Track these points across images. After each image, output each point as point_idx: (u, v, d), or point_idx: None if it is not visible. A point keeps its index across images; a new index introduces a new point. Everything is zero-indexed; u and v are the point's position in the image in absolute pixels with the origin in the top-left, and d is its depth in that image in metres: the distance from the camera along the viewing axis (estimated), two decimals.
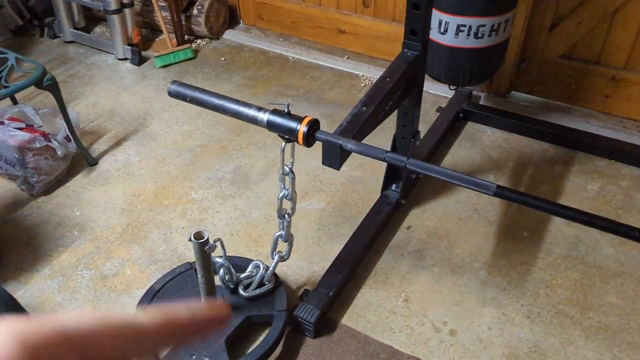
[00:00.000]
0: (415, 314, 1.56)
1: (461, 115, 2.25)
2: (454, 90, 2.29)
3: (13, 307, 1.22)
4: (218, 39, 2.90)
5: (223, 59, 2.75)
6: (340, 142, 1.21)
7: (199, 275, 1.40)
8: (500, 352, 1.45)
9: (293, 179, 1.37)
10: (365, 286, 1.64)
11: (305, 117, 1.24)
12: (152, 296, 1.56)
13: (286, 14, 2.83)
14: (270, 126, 1.26)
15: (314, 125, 1.23)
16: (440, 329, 1.52)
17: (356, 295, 1.61)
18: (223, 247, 1.44)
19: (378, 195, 1.87)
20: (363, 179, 2.01)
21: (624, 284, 1.62)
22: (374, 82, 1.46)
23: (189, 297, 1.55)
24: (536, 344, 1.47)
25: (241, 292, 1.53)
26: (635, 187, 1.95)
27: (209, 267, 1.39)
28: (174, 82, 1.40)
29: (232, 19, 2.99)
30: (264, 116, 1.27)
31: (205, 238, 1.32)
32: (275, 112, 1.26)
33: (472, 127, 2.26)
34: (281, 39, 2.87)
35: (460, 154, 2.11)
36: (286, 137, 1.28)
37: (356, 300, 1.60)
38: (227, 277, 1.52)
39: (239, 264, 1.57)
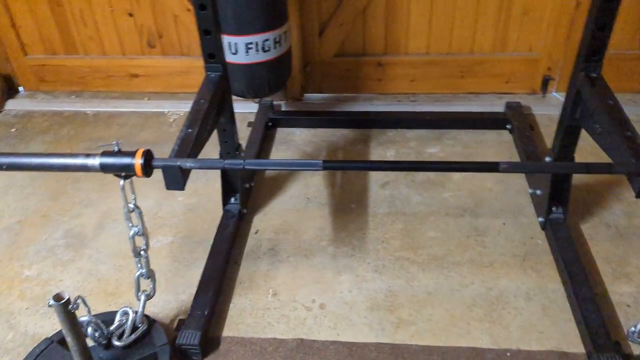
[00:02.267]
0: (286, 303, 1.70)
1: (270, 124, 2.47)
2: (258, 104, 2.50)
3: None
4: (0, 111, 2.70)
5: (14, 129, 2.57)
6: (178, 163, 1.30)
7: (68, 340, 1.35)
8: (364, 307, 1.67)
9: (140, 213, 1.41)
10: (235, 295, 1.73)
11: (137, 149, 1.31)
12: None
13: (70, 71, 2.76)
14: (105, 168, 1.30)
15: (148, 155, 1.30)
16: (311, 307, 1.68)
17: (229, 307, 1.69)
18: (85, 303, 1.41)
19: (220, 213, 1.97)
20: (200, 203, 2.09)
21: (436, 220, 1.98)
22: (191, 105, 1.57)
23: None
24: (389, 289, 1.73)
25: (116, 343, 1.50)
26: (421, 145, 2.37)
27: (77, 329, 1.35)
28: None
29: (10, 88, 2.80)
30: (95, 161, 1.30)
31: (67, 297, 1.29)
32: (105, 153, 1.30)
33: (282, 132, 2.49)
34: (72, 97, 2.79)
35: (280, 156, 2.32)
36: (123, 174, 1.32)
37: (230, 312, 1.68)
38: (97, 334, 1.48)
39: (105, 318, 1.54)
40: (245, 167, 1.29)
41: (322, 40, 2.56)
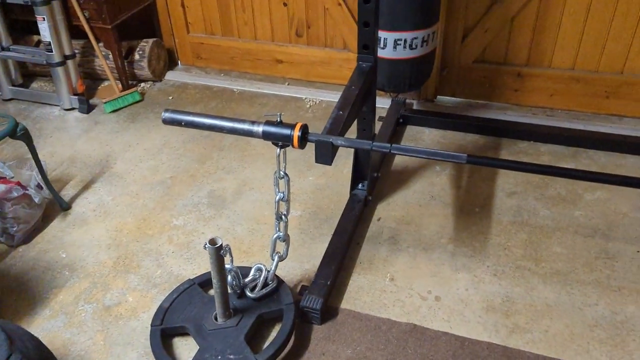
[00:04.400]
0: (402, 289, 1.77)
1: (401, 120, 2.55)
2: (392, 100, 2.58)
3: (41, 351, 1.29)
4: (161, 80, 3.03)
5: (170, 97, 2.88)
6: (330, 139, 1.41)
7: (214, 282, 1.53)
8: (479, 307, 1.70)
9: (288, 181, 1.55)
10: (354, 274, 1.83)
11: (297, 123, 1.44)
12: (163, 314, 1.65)
13: (223, 51, 3.03)
14: (266, 135, 1.45)
15: (305, 129, 1.43)
16: (427, 297, 1.74)
17: (348, 282, 1.80)
18: (230, 253, 1.58)
19: (346, 196, 2.08)
20: (329, 185, 2.22)
21: (562, 236, 1.94)
22: (343, 90, 1.69)
23: (198, 309, 1.66)
24: (506, 294, 1.73)
25: (249, 294, 1.66)
26: (554, 160, 2.32)
27: (223, 272, 1.52)
28: (166, 110, 1.55)
29: (171, 61, 3.14)
30: (259, 128, 1.46)
31: (220, 243, 1.46)
32: (268, 122, 1.45)
33: (412, 129, 2.55)
34: (222, 74, 3.06)
35: None
36: (280, 143, 1.47)
37: (349, 287, 1.78)
38: (234, 283, 1.65)
39: (242, 271, 1.71)
40: (392, 151, 1.38)
41: (464, 45, 2.58)
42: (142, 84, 2.98)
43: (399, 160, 2.35)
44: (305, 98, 2.82)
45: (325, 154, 1.45)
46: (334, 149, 1.45)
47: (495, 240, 1.93)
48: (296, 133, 1.42)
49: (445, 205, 2.09)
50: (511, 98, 2.67)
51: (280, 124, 1.45)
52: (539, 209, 2.06)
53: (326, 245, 1.87)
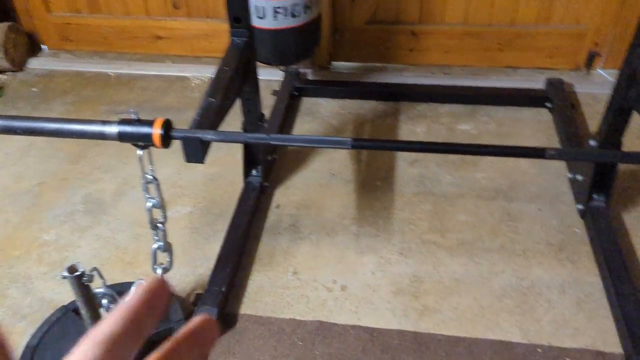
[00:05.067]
0: (306, 283, 1.64)
1: (295, 93, 2.37)
2: (284, 72, 2.40)
3: None
4: (22, 70, 2.65)
5: (35, 89, 2.52)
6: (198, 135, 1.22)
7: (82, 312, 1.32)
8: (388, 291, 1.60)
9: (158, 185, 1.35)
10: (254, 272, 1.67)
11: (156, 119, 1.23)
12: (30, 355, 1.42)
13: (94, 30, 2.69)
14: (122, 137, 1.23)
15: (168, 125, 1.23)
16: (332, 288, 1.62)
17: (247, 283, 1.64)
18: (101, 275, 1.37)
19: (241, 185, 1.90)
20: (221, 173, 2.02)
21: (466, 202, 1.88)
22: (215, 72, 1.49)
23: (74, 342, 1.44)
24: (414, 274, 1.65)
25: None
26: (454, 121, 2.25)
27: (91, 300, 1.31)
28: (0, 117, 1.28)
29: (34, 46, 2.75)
30: (113, 129, 1.23)
31: (81, 270, 1.24)
32: (123, 121, 1.23)
33: (308, 101, 2.39)
34: (95, 57, 2.72)
35: (304, 128, 2.23)
36: (141, 144, 1.25)
37: (249, 288, 1.63)
38: (112, 306, 1.44)
39: (122, 289, 1.50)
40: (270, 142, 1.21)
41: (354, 5, 2.43)
42: (0, 76, 2.59)
43: None
44: (191, 76, 2.56)
45: (196, 152, 1.26)
46: (205, 145, 1.26)
47: (400, 215, 1.84)
48: (156, 131, 1.21)
49: (346, 183, 1.97)
50: (407, 58, 2.57)
51: (137, 121, 1.23)
52: (441, 175, 1.99)
53: (221, 243, 1.70)
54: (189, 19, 2.60)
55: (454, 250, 1.71)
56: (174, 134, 1.23)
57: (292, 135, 1.19)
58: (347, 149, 1.18)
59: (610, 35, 2.37)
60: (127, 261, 1.72)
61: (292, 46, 1.96)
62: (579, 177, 1.81)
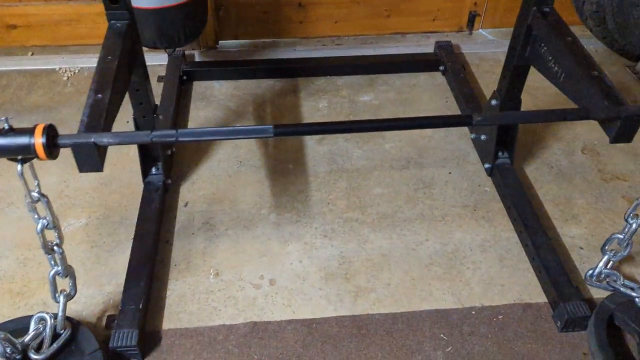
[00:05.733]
0: (231, 283, 1.52)
1: (184, 77, 2.18)
2: (169, 56, 2.19)
3: None
4: None
5: None
6: (92, 139, 1.04)
7: None
8: (318, 278, 1.54)
9: (48, 202, 1.14)
10: (171, 280, 1.52)
11: (36, 125, 1.03)
12: None
13: None
14: None
15: (51, 131, 1.03)
16: (260, 285, 1.52)
17: (166, 294, 1.49)
18: None
19: (140, 186, 1.71)
20: (115, 175, 1.81)
21: (380, 175, 1.86)
22: (97, 63, 1.28)
23: None
24: (341, 255, 1.60)
25: (34, 357, 1.25)
26: (354, 93, 2.21)
27: None
28: None
29: None
30: None
31: None
32: None
33: (200, 86, 2.21)
34: None
35: (201, 114, 2.06)
36: (20, 157, 1.04)
37: (169, 300, 1.48)
38: (9, 350, 1.22)
39: (18, 326, 1.28)
40: (179, 138, 1.06)
41: None
42: None
43: (194, 125, 2.02)
44: (59, 68, 2.25)
45: (91, 159, 1.07)
46: (102, 150, 1.07)
47: (317, 196, 1.77)
48: (38, 140, 1.01)
49: (256, 169, 1.85)
50: (297, 32, 2.47)
51: (11, 131, 1.01)
52: (351, 150, 1.94)
53: (128, 255, 1.52)
54: (46, 3, 2.27)
55: (376, 225, 1.68)
56: (61, 141, 1.04)
57: (203, 128, 1.05)
58: (269, 137, 1.07)
59: None
60: (17, 291, 1.47)
61: (179, 25, 1.77)
62: (483, 137, 1.86)
